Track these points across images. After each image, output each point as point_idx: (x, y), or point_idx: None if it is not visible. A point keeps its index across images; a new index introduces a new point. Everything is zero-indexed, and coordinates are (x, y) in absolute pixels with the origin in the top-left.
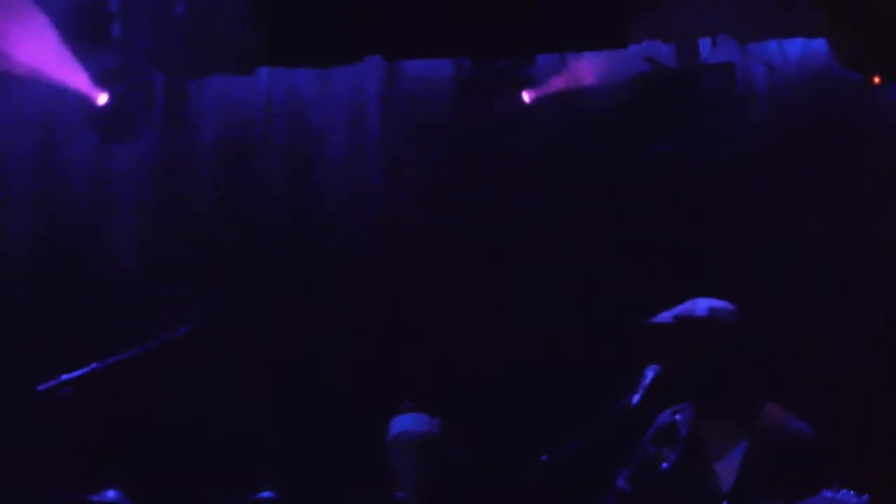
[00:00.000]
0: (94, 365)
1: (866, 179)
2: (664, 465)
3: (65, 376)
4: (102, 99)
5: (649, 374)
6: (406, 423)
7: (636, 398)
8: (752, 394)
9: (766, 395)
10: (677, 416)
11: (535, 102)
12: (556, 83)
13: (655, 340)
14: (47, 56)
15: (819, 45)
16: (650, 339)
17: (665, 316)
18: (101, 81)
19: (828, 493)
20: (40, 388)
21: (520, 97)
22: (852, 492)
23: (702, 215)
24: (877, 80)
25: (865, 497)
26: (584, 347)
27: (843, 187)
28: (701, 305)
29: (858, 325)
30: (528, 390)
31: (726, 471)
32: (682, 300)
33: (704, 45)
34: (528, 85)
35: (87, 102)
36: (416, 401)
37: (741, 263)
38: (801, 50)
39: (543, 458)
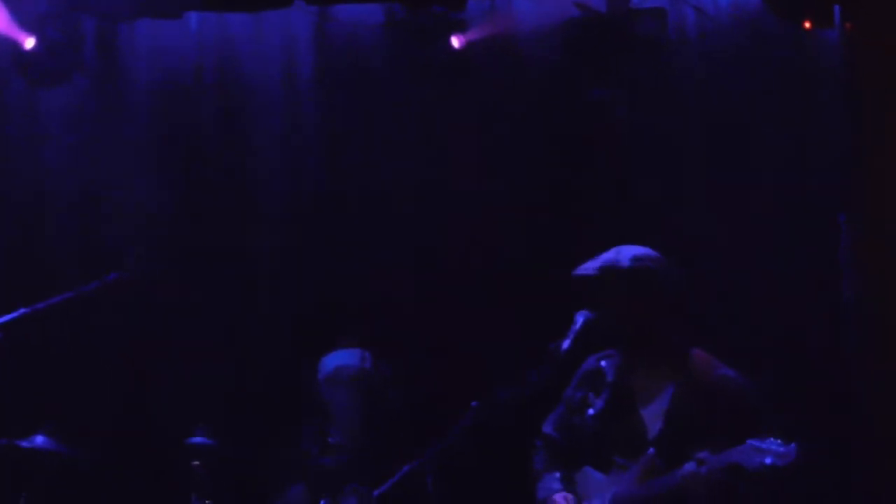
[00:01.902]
0: (22, 310)
1: (798, 125)
2: (591, 410)
3: None
4: (30, 43)
5: (579, 319)
6: (342, 358)
7: (566, 344)
8: (679, 341)
9: (694, 342)
10: (603, 363)
11: (466, 48)
12: (486, 28)
13: (581, 291)
14: None
15: None
16: (575, 289)
17: (589, 267)
18: (29, 26)
19: (754, 443)
20: None
21: (450, 42)
22: (779, 440)
23: (634, 160)
24: (807, 25)
25: (792, 446)
26: (519, 293)
27: (775, 134)
28: (625, 254)
29: (794, 275)
30: (462, 335)
31: (653, 416)
32: (615, 245)
33: None
34: (459, 30)
35: (15, 47)
36: (352, 340)
37: (673, 209)
38: None
39: (475, 403)
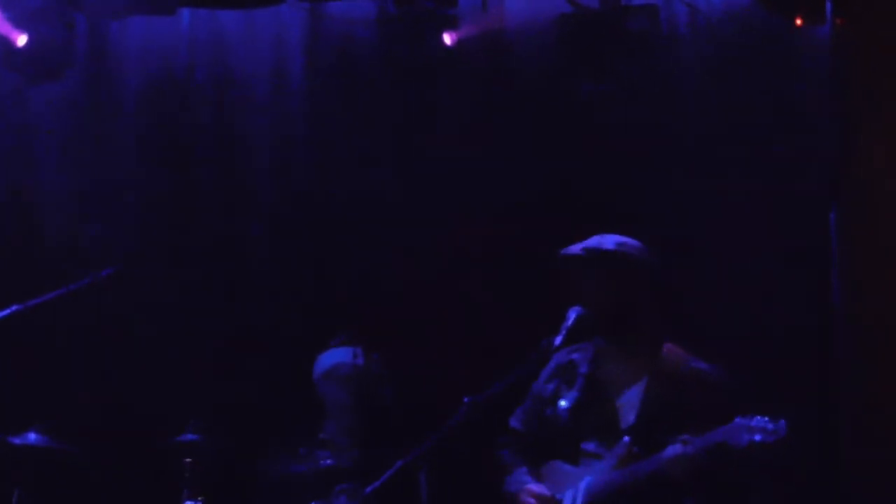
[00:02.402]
0: (15, 306)
1: (790, 122)
2: (563, 402)
3: None
4: (22, 40)
5: (571, 315)
6: (338, 356)
7: (558, 340)
8: (656, 332)
9: (668, 335)
10: (575, 355)
11: (458, 44)
12: (478, 25)
13: (566, 271)
14: None
15: None
16: (560, 269)
17: (575, 248)
18: (22, 22)
19: (741, 421)
20: None
21: (442, 39)
22: (766, 418)
23: (626, 157)
24: (799, 21)
25: (782, 422)
26: (511, 289)
27: (767, 130)
28: (609, 239)
29: (784, 272)
30: (454, 331)
31: (627, 407)
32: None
33: None
34: (451, 26)
35: (7, 44)
36: (345, 338)
37: (665, 205)
38: None
39: (467, 399)
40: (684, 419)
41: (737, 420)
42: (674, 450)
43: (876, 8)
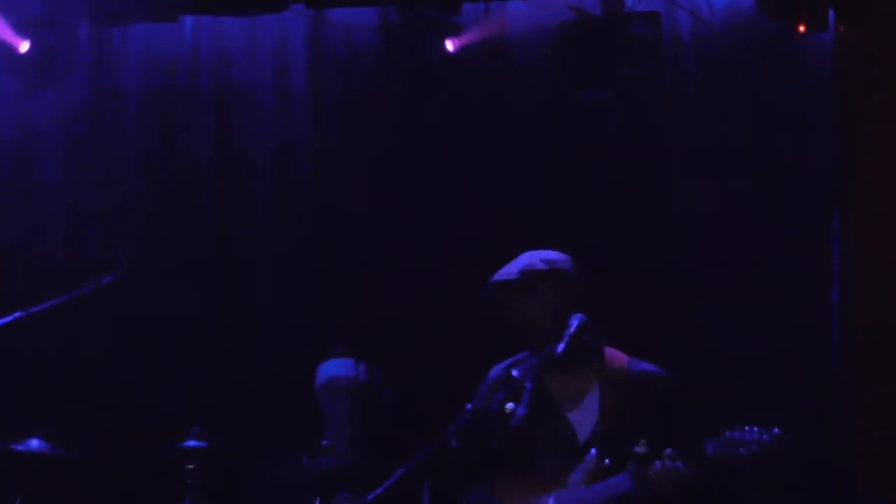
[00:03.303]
0: (17, 313)
1: (791, 128)
2: (513, 420)
3: None
4: (24, 47)
5: (574, 322)
6: (337, 368)
7: (561, 347)
8: (596, 341)
9: (605, 340)
10: (514, 371)
11: (461, 51)
12: (481, 32)
13: (501, 296)
14: None
15: None
16: (495, 296)
17: (508, 272)
18: (24, 29)
19: (731, 434)
20: None
21: (444, 46)
22: (756, 428)
23: (628, 164)
24: (801, 28)
25: (776, 431)
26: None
27: (768, 136)
28: (538, 257)
29: (785, 277)
30: (454, 338)
31: (581, 418)
32: (609, 246)
33: None
34: (453, 33)
35: (9, 50)
36: (346, 347)
37: (666, 211)
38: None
39: (469, 406)
40: (642, 423)
41: (726, 433)
42: (661, 465)
43: (878, 15)
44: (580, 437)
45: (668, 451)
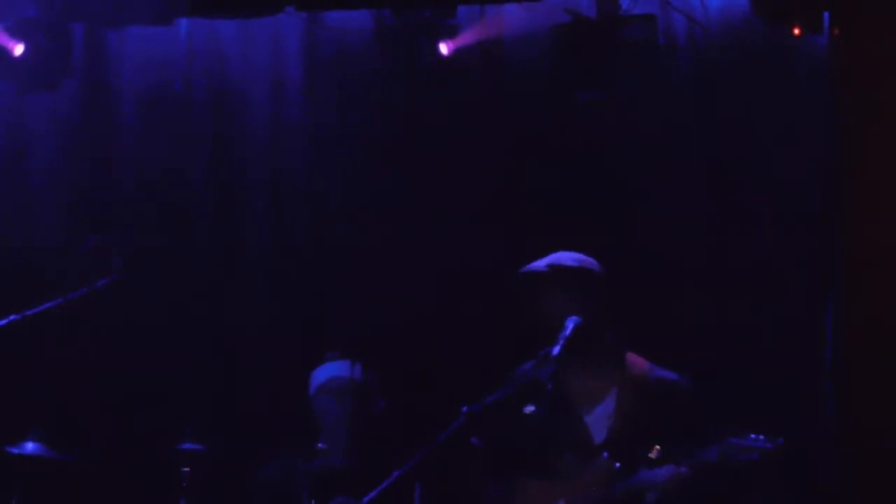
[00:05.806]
0: (13, 316)
1: (786, 131)
2: (530, 420)
3: None
4: (19, 50)
5: (569, 325)
6: (333, 370)
7: (556, 350)
8: (618, 345)
9: (629, 346)
10: (536, 371)
11: (456, 53)
12: (476, 34)
13: (528, 289)
14: None
15: None
16: (523, 288)
17: (538, 265)
18: (18, 32)
19: (735, 441)
20: None
21: (439, 49)
22: (762, 436)
23: (623, 166)
24: (797, 31)
25: (780, 441)
26: (508, 297)
27: (763, 139)
28: (567, 256)
29: (778, 282)
30: (450, 341)
31: (598, 420)
32: (604, 249)
33: None
34: (448, 36)
35: (4, 53)
36: (340, 351)
37: (661, 214)
38: (721, 2)
39: (464, 409)
40: (656, 430)
41: (731, 440)
42: (668, 470)
43: (873, 17)
44: (595, 438)
45: (658, 448)
